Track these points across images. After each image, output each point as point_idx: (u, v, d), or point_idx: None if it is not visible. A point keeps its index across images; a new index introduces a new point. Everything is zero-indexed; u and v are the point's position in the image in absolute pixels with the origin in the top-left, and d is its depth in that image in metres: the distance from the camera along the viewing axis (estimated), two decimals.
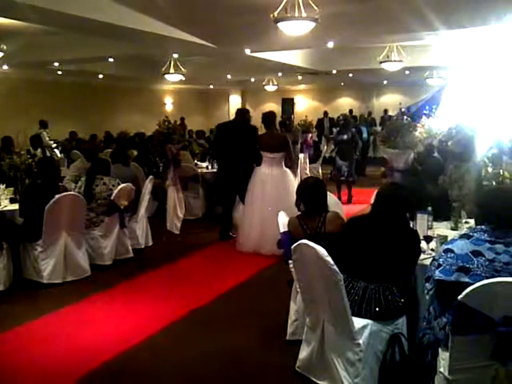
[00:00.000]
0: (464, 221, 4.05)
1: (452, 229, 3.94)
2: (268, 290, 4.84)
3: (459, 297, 2.30)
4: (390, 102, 17.47)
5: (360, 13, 7.45)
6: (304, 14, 6.28)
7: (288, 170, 6.31)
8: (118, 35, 8.18)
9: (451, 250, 2.54)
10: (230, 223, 6.83)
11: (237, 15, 7.41)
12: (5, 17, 7.11)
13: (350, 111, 16.86)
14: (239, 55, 10.45)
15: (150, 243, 6.35)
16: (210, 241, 6.73)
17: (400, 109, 14.59)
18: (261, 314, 4.31)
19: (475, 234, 2.55)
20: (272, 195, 6.04)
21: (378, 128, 16.25)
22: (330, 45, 9.34)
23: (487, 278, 2.40)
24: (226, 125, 7.13)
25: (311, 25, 6.45)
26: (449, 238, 3.41)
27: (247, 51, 9.95)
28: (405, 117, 6.83)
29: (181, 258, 5.99)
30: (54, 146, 11.07)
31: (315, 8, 6.23)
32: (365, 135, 13.72)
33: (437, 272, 2.52)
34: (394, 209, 2.99)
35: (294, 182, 6.15)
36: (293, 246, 3.03)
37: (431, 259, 3.10)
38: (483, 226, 2.55)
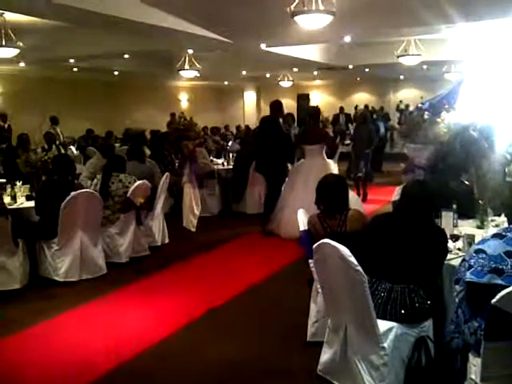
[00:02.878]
0: (490, 219, 3.90)
1: (478, 227, 3.79)
2: (288, 288, 4.74)
3: (493, 300, 2.19)
4: (407, 97, 17.19)
5: (377, 6, 7.30)
6: (321, 7, 6.16)
7: (330, 161, 6.68)
8: (132, 31, 8.14)
9: (483, 251, 2.41)
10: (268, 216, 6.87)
11: (252, 9, 7.30)
12: (21, 13, 7.10)
13: (366, 106, 16.64)
14: (254, 50, 10.34)
15: (167, 241, 6.29)
16: (226, 238, 6.66)
17: (417, 104, 14.30)
18: (280, 314, 4.21)
19: (508, 234, 2.43)
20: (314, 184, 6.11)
21: (396, 124, 16.02)
22: (347, 39, 9.20)
23: None
24: (267, 121, 7.16)
25: (328, 18, 6.34)
26: (476, 237, 3.31)
27: (262, 46, 9.84)
28: (426, 112, 6.66)
29: (197, 255, 5.92)
30: (67, 142, 11.06)
31: (332, 1, 6.11)
32: (382, 130, 13.52)
33: (468, 274, 2.41)
34: (420, 207, 2.88)
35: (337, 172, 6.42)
36: (314, 246, 2.93)
37: (460, 260, 2.99)
38: None
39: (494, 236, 2.49)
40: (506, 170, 6.09)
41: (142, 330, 3.98)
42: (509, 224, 2.54)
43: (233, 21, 7.92)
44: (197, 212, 6.95)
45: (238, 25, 8.13)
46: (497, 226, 3.76)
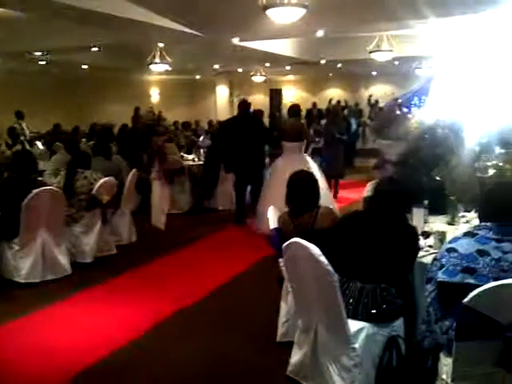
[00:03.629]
0: (461, 215, 3.88)
1: (449, 223, 3.77)
2: (258, 287, 4.65)
3: (464, 300, 2.13)
4: (379, 93, 17.29)
5: (349, 0, 7.25)
6: (294, 1, 6.06)
7: (308, 157, 6.84)
8: (101, 23, 7.88)
9: (455, 250, 2.36)
10: (243, 210, 7.06)
11: (225, 2, 7.17)
12: None
13: (338, 102, 16.67)
14: (227, 44, 10.19)
15: (134, 239, 6.12)
16: (197, 236, 6.52)
17: (390, 100, 14.39)
18: (250, 314, 4.13)
19: (480, 232, 2.38)
20: None
21: (367, 119, 16.09)
22: (320, 33, 9.13)
23: (493, 278, 2.25)
24: (232, 120, 7.43)
25: (301, 11, 6.23)
26: (447, 234, 3.27)
27: (235, 40, 9.69)
28: (397, 108, 6.70)
29: (166, 254, 5.77)
30: (33, 137, 10.72)
31: None
32: (354, 127, 13.56)
33: (440, 273, 2.35)
34: (392, 204, 2.81)
35: (316, 168, 6.64)
36: (284, 245, 2.84)
37: (431, 257, 2.96)
38: (488, 224, 2.39)
39: (466, 234, 2.45)
40: (476, 165, 6.14)
41: (109, 332, 3.85)
42: (480, 221, 2.49)
43: (205, 14, 7.76)
44: (166, 209, 6.80)
45: (211, 18, 7.97)
46: (467, 222, 3.75)
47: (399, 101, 12.36)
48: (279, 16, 6.37)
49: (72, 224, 5.16)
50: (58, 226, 4.92)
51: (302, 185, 3.46)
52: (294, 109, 7.15)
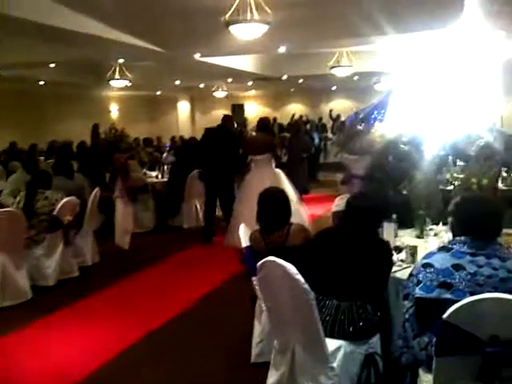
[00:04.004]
0: (429, 228, 3.92)
1: (417, 237, 3.80)
2: (228, 306, 4.57)
3: (444, 315, 2.12)
4: (339, 107, 17.58)
5: (311, 17, 7.38)
6: (256, 17, 6.10)
7: (279, 171, 6.75)
8: (60, 39, 7.73)
9: (431, 265, 2.36)
10: (211, 228, 7.00)
11: (186, 18, 7.14)
12: None
13: (300, 117, 16.84)
14: (188, 60, 10.16)
15: (97, 260, 5.92)
16: (162, 255, 6.37)
17: (351, 114, 14.62)
18: (222, 335, 4.03)
19: (455, 247, 2.39)
20: None
21: (330, 134, 16.30)
22: (282, 50, 9.23)
23: (470, 293, 2.25)
24: (212, 131, 7.23)
25: (264, 28, 6.28)
26: (419, 248, 3.29)
27: (197, 56, 9.67)
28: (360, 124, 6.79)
29: (131, 275, 5.59)
30: None
31: (268, 11, 6.06)
32: (316, 141, 13.71)
33: (417, 289, 2.34)
34: (365, 220, 2.80)
35: (286, 181, 6.62)
36: (258, 264, 2.78)
37: (404, 271, 2.96)
38: (462, 238, 2.40)
39: (441, 249, 2.45)
40: (438, 177, 6.27)
41: (74, 359, 3.68)
42: (453, 236, 2.51)
43: (167, 30, 7.72)
44: (130, 228, 6.63)
45: (172, 34, 7.93)
46: (435, 235, 3.78)
47: (360, 116, 12.55)
48: (242, 32, 6.40)
49: (33, 246, 4.95)
50: (17, 249, 4.70)
51: (272, 202, 3.41)
52: (264, 122, 7.14)
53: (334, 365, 2.63)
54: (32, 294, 4.79)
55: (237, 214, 6.55)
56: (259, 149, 6.67)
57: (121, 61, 10.89)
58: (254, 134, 7.31)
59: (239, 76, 13.26)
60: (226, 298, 4.83)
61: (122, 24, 7.41)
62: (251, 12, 6.04)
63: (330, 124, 16.79)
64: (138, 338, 3.96)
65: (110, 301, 4.85)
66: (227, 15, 6.06)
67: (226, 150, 6.73)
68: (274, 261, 2.66)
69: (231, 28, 6.25)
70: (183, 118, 21.19)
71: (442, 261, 2.36)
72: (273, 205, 3.39)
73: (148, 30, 7.78)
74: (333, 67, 10.50)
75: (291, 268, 2.55)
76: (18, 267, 4.69)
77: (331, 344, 2.66)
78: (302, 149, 9.43)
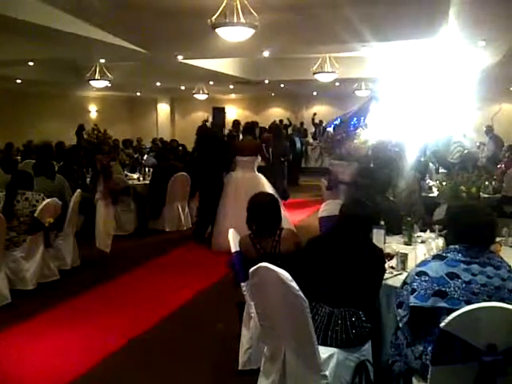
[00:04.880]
0: (416, 235, 3.94)
1: (405, 243, 3.81)
2: (214, 312, 4.50)
3: (441, 324, 2.12)
4: (320, 113, 17.65)
5: (296, 22, 7.41)
6: (243, 20, 6.07)
7: (260, 174, 6.87)
8: (39, 36, 7.58)
9: (425, 273, 2.36)
10: (206, 228, 7.05)
11: (170, 20, 7.08)
12: None
13: (281, 121, 16.84)
14: (170, 62, 10.07)
15: (78, 263, 5.78)
16: (144, 258, 6.26)
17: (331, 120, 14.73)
18: (208, 341, 3.96)
19: (449, 255, 2.40)
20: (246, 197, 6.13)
21: (311, 139, 16.36)
22: (266, 54, 9.22)
23: (465, 301, 2.26)
24: (207, 136, 7.56)
25: (250, 31, 6.26)
26: (409, 255, 3.30)
27: (179, 58, 9.59)
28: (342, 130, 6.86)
29: (113, 279, 5.48)
30: None
31: (254, 14, 6.05)
32: (298, 145, 13.73)
33: (411, 298, 2.34)
34: (360, 227, 2.79)
35: (268, 185, 6.73)
36: (251, 270, 2.73)
37: (395, 280, 2.95)
38: (457, 246, 2.40)
39: (435, 257, 2.45)
40: (421, 184, 6.33)
41: (54, 366, 3.57)
42: (447, 244, 2.51)
43: (150, 31, 7.63)
44: (111, 231, 6.50)
45: (156, 35, 7.85)
46: (423, 242, 3.80)
47: (341, 122, 12.66)
48: (228, 35, 6.36)
49: (12, 248, 4.79)
50: None
51: (263, 207, 3.37)
52: (247, 126, 7.27)
53: (327, 373, 2.60)
54: (11, 299, 4.63)
55: (221, 218, 6.57)
56: (245, 150, 6.83)
57: (102, 61, 10.73)
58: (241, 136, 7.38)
59: (221, 79, 13.20)
60: (211, 304, 4.76)
61: (105, 24, 7.30)
62: (238, 15, 6.01)
63: (311, 129, 16.85)
64: (120, 345, 3.86)
65: (91, 305, 4.73)
66: (213, 17, 6.02)
67: (218, 155, 6.92)
68: (268, 267, 2.62)
69: (218, 30, 6.21)
70: (163, 119, 21.02)
71: (436, 269, 2.35)
72: (263, 210, 3.35)
73: (131, 30, 7.68)
74: (316, 73, 10.53)
75: (286, 275, 2.52)
76: None
77: (324, 352, 2.63)
78: (282, 154, 9.41)
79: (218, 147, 7.02)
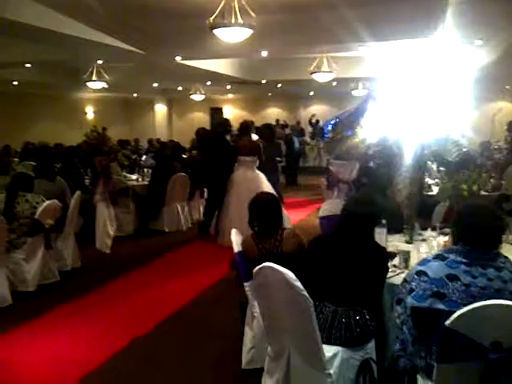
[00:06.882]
0: (418, 233, 3.95)
1: (407, 242, 3.83)
2: (217, 311, 4.51)
3: (447, 322, 2.12)
4: (317, 112, 17.66)
5: (294, 22, 7.40)
6: (241, 21, 6.07)
7: (261, 173, 6.99)
8: (37, 38, 7.55)
9: (425, 273, 2.33)
10: (210, 222, 7.30)
11: (168, 21, 7.07)
12: None
13: (277, 121, 16.86)
14: (169, 63, 10.07)
15: (79, 264, 5.78)
16: (145, 259, 6.26)
17: (329, 120, 14.75)
18: (211, 340, 3.96)
19: (450, 256, 2.37)
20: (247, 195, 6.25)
21: (308, 139, 16.37)
22: (264, 54, 9.22)
23: (463, 304, 2.23)
24: (211, 136, 7.83)
25: (248, 32, 6.26)
26: (411, 254, 3.31)
27: (178, 58, 9.59)
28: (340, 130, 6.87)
29: (114, 279, 5.49)
30: None
31: (252, 15, 6.05)
32: (297, 145, 13.75)
33: (409, 298, 2.32)
34: (364, 226, 2.80)
35: (268, 184, 6.89)
36: (255, 270, 2.74)
37: (399, 278, 2.96)
38: (459, 246, 2.38)
39: (436, 257, 2.42)
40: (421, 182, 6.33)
41: (55, 368, 3.56)
42: (453, 242, 2.49)
43: (149, 32, 7.63)
44: (111, 232, 6.51)
45: (154, 36, 7.85)
46: (424, 240, 3.81)
47: (338, 122, 12.68)
48: (226, 36, 6.36)
49: (12, 250, 4.79)
50: None
51: (264, 207, 3.38)
52: (243, 126, 7.41)
53: (331, 371, 2.61)
54: (12, 300, 4.64)
55: (225, 215, 6.79)
56: (246, 149, 7.00)
57: (99, 62, 10.72)
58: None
59: (218, 79, 13.21)
60: (213, 303, 4.77)
61: (103, 25, 7.29)
62: (235, 16, 6.01)
63: (308, 129, 16.86)
64: (123, 346, 3.86)
65: (91, 307, 4.72)
66: (211, 18, 6.02)
67: (223, 156, 7.08)
68: (272, 267, 2.62)
69: (216, 31, 6.21)
70: (160, 120, 21.00)
71: (436, 270, 2.32)
72: (265, 210, 3.36)
73: (130, 31, 7.68)
74: (313, 73, 10.55)
75: (290, 274, 2.52)
76: None
77: (328, 350, 2.63)
78: (276, 154, 9.39)
79: (223, 146, 7.15)
